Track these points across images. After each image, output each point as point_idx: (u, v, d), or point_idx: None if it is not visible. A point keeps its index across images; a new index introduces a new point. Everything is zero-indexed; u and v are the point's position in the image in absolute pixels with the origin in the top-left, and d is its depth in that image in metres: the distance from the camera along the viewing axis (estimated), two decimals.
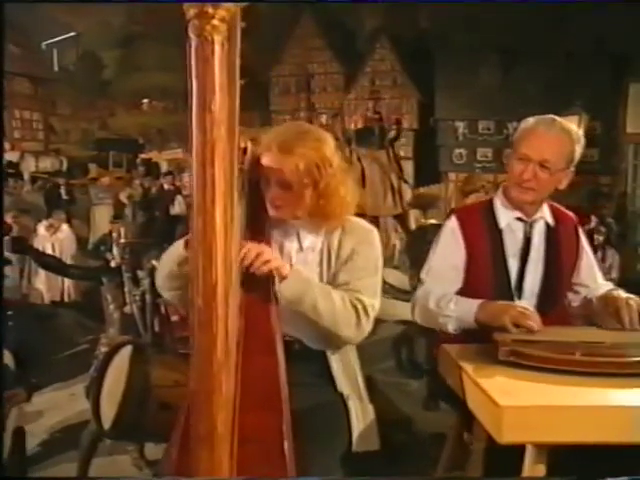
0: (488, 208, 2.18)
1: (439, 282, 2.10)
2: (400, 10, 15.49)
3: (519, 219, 2.14)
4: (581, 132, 2.09)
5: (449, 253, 2.14)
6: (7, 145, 13.14)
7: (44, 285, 6.06)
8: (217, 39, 1.17)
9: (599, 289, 2.16)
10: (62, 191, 9.33)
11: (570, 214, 2.28)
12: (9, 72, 14.90)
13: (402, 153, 15.53)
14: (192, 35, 1.17)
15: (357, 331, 1.77)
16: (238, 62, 1.55)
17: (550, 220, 2.17)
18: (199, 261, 1.15)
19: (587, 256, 2.24)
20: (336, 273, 1.83)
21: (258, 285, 1.66)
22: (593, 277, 2.23)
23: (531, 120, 2.07)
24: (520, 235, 2.14)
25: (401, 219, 7.19)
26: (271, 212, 1.83)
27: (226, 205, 1.17)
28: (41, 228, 6.61)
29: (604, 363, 1.58)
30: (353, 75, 15.55)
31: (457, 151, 15.36)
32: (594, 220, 7.31)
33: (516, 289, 2.11)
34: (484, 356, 1.72)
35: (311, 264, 1.86)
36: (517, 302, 2.04)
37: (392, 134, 7.29)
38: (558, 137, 2.01)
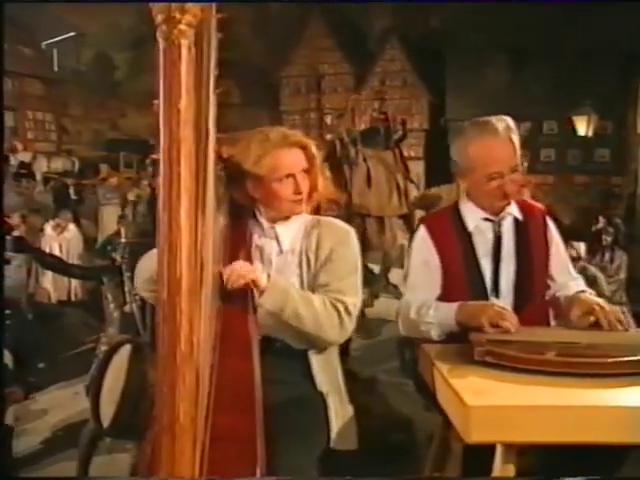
0: (455, 213, 2.18)
1: (418, 292, 2.12)
2: (410, 10, 15.48)
3: (487, 219, 2.13)
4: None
5: (423, 262, 2.16)
6: (20, 146, 13.23)
7: (51, 285, 6.12)
8: (184, 43, 1.21)
9: (568, 286, 2.15)
10: (71, 191, 9.42)
11: (539, 206, 2.27)
12: (21, 73, 15.07)
13: (413, 154, 15.56)
14: (160, 39, 1.21)
15: (340, 332, 1.79)
16: (213, 68, 1.61)
17: (518, 215, 2.15)
18: (164, 256, 1.19)
19: (556, 247, 2.22)
20: (316, 274, 1.86)
21: (237, 296, 1.69)
22: (561, 270, 2.21)
23: (468, 135, 2.06)
24: (489, 235, 2.13)
25: (407, 219, 7.16)
26: (294, 209, 1.90)
27: (191, 202, 1.21)
28: (48, 228, 6.68)
29: (577, 363, 1.57)
30: (363, 75, 15.57)
31: None
32: (602, 220, 7.28)
33: (492, 289, 2.10)
34: (461, 356, 1.72)
35: (291, 266, 1.88)
36: (495, 301, 2.04)
37: (398, 134, 7.26)
38: (507, 136, 2.00)
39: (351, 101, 7.18)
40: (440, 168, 13.36)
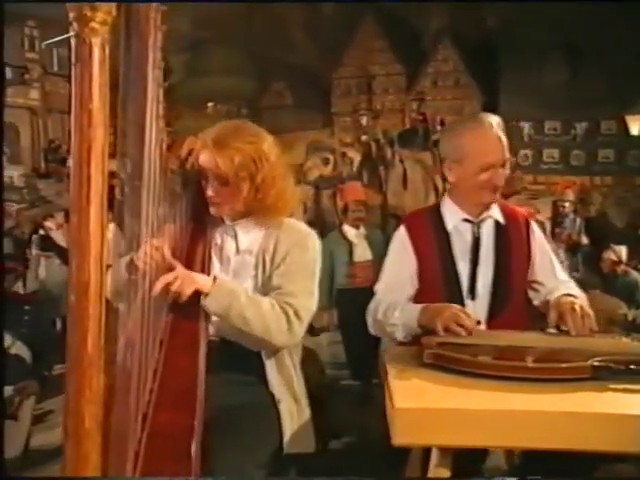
0: (435, 212, 2.16)
1: (391, 292, 2.10)
2: (466, 9, 15.29)
3: (466, 220, 2.10)
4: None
5: (399, 262, 2.14)
6: None
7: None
8: (95, 42, 1.20)
9: (557, 289, 2.08)
10: (117, 191, 9.60)
11: (522, 211, 2.24)
12: None
13: None
14: (72, 37, 1.20)
15: (289, 336, 1.77)
16: (158, 61, 1.60)
17: (500, 218, 2.12)
18: (73, 259, 1.18)
19: (542, 253, 2.17)
20: (270, 276, 1.84)
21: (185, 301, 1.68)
22: (548, 274, 2.16)
23: (462, 126, 2.07)
24: (468, 236, 2.11)
25: None
26: (211, 210, 1.85)
27: (102, 204, 1.19)
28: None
29: (514, 367, 1.54)
30: (415, 76, 15.45)
31: (522, 152, 15.05)
32: None
33: (469, 291, 2.07)
34: (415, 359, 1.70)
35: (248, 267, 1.87)
36: (469, 304, 2.02)
37: (437, 136, 7.18)
38: (497, 131, 2.00)
39: (388, 102, 7.12)
40: None
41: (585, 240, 7.33)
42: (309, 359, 3.53)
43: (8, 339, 3.34)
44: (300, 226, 1.94)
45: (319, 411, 2.10)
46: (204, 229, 1.90)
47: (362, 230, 4.91)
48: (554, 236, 7.23)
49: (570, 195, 7.68)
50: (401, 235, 2.15)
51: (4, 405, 2.88)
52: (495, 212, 2.12)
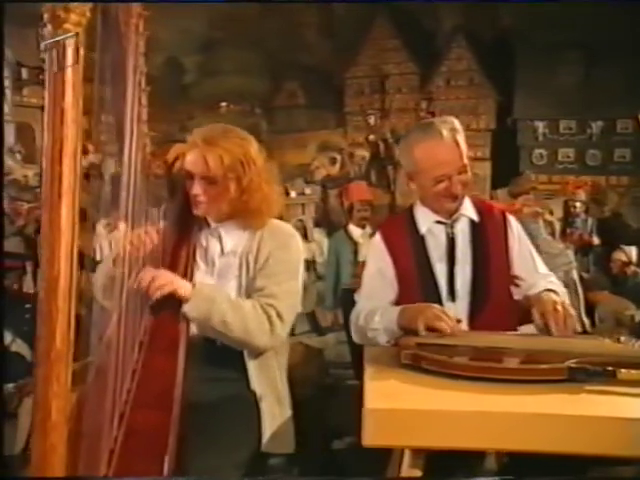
0: (409, 217, 2.17)
1: (371, 299, 2.11)
2: (480, 8, 15.21)
3: (439, 222, 2.10)
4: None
5: (377, 268, 2.15)
6: (91, 147, 13.69)
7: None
8: (69, 42, 1.22)
9: (538, 285, 2.07)
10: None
11: (497, 205, 2.23)
12: (94, 79, 15.57)
13: (479, 154, 15.29)
14: (46, 37, 1.22)
15: (271, 338, 1.78)
16: (141, 66, 1.62)
17: (474, 216, 2.12)
18: (44, 253, 1.20)
19: (520, 246, 2.16)
20: (254, 278, 1.85)
21: (166, 304, 1.70)
22: (527, 269, 2.15)
23: (412, 138, 2.05)
24: (442, 237, 2.11)
25: None
26: (195, 210, 1.87)
27: (73, 201, 1.21)
28: (99, 226, 6.87)
29: (491, 368, 1.53)
30: (428, 75, 15.37)
31: (537, 152, 14.95)
32: None
33: (448, 292, 2.07)
34: (396, 359, 1.69)
35: (232, 268, 1.88)
36: (448, 305, 2.02)
37: None
38: (452, 138, 1.99)
39: (395, 101, 7.10)
40: (507, 169, 13.15)
41: (596, 240, 7.27)
42: (313, 359, 3.55)
43: (8, 336, 3.38)
44: (284, 227, 1.95)
45: (321, 411, 2.12)
46: (189, 233, 1.92)
47: (368, 230, 4.93)
48: (565, 236, 7.18)
49: (582, 195, 7.63)
50: (377, 242, 2.17)
51: (4, 404, 2.91)
52: (468, 210, 2.12)
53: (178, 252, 1.85)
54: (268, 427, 1.80)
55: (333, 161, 10.78)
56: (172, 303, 1.70)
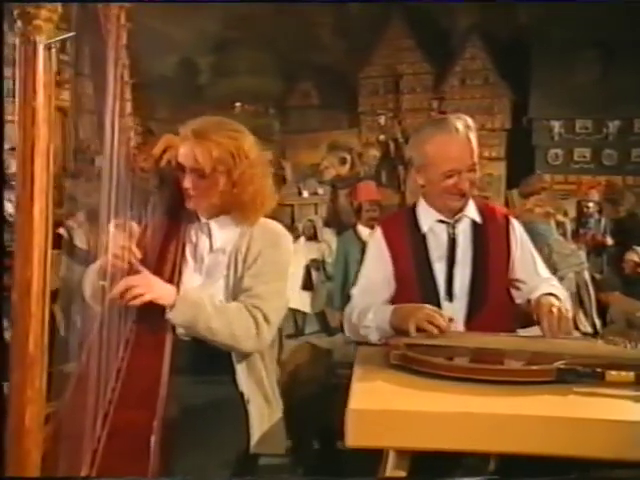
0: (410, 214, 2.14)
1: (366, 295, 2.09)
2: (496, 7, 15.11)
3: (441, 221, 2.08)
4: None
5: (375, 265, 2.13)
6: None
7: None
8: (39, 39, 1.20)
9: (539, 288, 2.04)
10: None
11: (500, 208, 2.20)
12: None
13: (494, 154, 15.20)
14: (17, 35, 1.21)
15: (257, 341, 1.76)
16: (124, 59, 1.60)
17: (477, 217, 2.09)
18: (17, 256, 1.18)
19: (522, 250, 2.14)
20: (241, 278, 1.82)
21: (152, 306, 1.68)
22: (528, 272, 2.12)
23: (425, 132, 2.04)
24: (443, 237, 2.08)
25: None
26: (187, 203, 1.85)
27: (47, 203, 1.20)
28: (110, 227, 6.88)
29: (480, 370, 1.51)
30: (443, 75, 15.31)
31: (553, 151, 14.83)
32: None
33: (446, 292, 2.04)
34: (386, 359, 1.67)
35: (220, 266, 1.86)
36: (446, 305, 1.99)
37: None
38: (465, 134, 1.96)
39: (405, 101, 7.07)
40: (522, 169, 13.04)
41: (610, 241, 7.19)
42: (320, 359, 3.52)
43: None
44: (274, 226, 1.93)
45: (325, 411, 2.10)
46: (178, 227, 1.89)
47: None
48: (578, 237, 7.11)
49: (595, 195, 7.54)
50: (377, 238, 2.14)
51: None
52: (471, 211, 2.10)
53: (167, 247, 1.83)
54: (257, 428, 1.78)
55: (343, 161, 10.75)
56: (157, 306, 1.68)
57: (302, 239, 6.46)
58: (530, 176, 8.07)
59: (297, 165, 14.57)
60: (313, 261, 6.26)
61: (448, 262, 2.06)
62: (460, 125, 1.97)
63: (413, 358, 1.57)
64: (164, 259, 1.80)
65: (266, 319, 1.75)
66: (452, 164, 1.96)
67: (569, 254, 5.92)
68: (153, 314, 1.69)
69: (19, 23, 1.19)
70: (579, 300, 5.90)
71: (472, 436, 1.35)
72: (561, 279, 6.00)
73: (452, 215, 2.08)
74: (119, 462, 1.44)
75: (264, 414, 1.81)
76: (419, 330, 1.78)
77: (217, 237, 1.89)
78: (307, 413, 2.34)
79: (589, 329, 5.73)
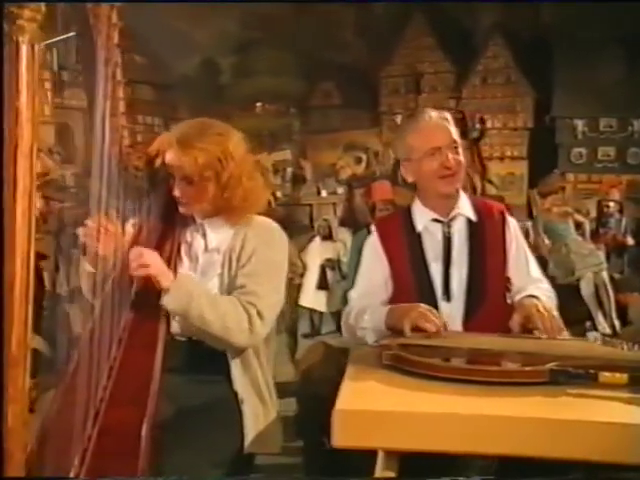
0: (406, 215, 2.12)
1: (364, 297, 2.08)
2: (519, 5, 14.99)
3: (436, 220, 2.05)
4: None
5: (372, 267, 2.12)
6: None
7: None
8: (23, 39, 1.21)
9: (525, 289, 2.01)
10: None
11: (497, 205, 2.17)
12: (133, 80, 15.84)
13: (516, 153, 15.08)
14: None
15: (250, 337, 1.75)
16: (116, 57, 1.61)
17: (472, 215, 2.07)
18: (3, 257, 1.19)
19: (516, 247, 2.11)
20: (235, 276, 1.82)
21: (150, 291, 1.69)
22: (519, 272, 2.09)
23: (404, 128, 2.12)
24: (439, 236, 2.06)
25: None
26: (180, 209, 1.86)
27: (29, 204, 1.20)
28: (128, 226, 6.94)
29: (471, 370, 1.49)
30: (464, 74, 15.21)
31: (576, 150, 14.67)
32: None
33: (443, 292, 2.02)
34: (380, 360, 1.65)
35: (215, 265, 1.86)
36: (443, 305, 1.97)
37: (475, 134, 7.01)
38: (442, 119, 2.01)
39: (421, 100, 7.03)
40: (545, 168, 12.92)
41: (631, 241, 7.10)
42: (333, 359, 3.51)
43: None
44: (269, 224, 1.92)
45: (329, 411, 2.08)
46: (173, 227, 1.90)
47: None
48: (599, 236, 7.03)
49: (615, 194, 7.45)
50: (373, 240, 2.13)
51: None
52: (466, 209, 2.07)
53: (162, 247, 1.83)
54: (251, 428, 1.77)
55: (358, 160, 10.75)
56: (152, 299, 1.68)
57: (317, 238, 6.44)
58: (548, 175, 7.98)
59: (317, 165, 14.57)
60: (328, 260, 6.23)
61: (444, 262, 2.04)
62: (434, 114, 2.03)
63: (405, 358, 1.55)
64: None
65: (260, 315, 1.75)
66: (431, 142, 1.98)
67: (587, 254, 5.86)
68: (147, 312, 1.69)
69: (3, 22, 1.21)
70: (598, 301, 5.84)
71: (460, 437, 1.33)
72: (579, 279, 5.96)
73: (447, 213, 2.06)
74: (109, 461, 1.45)
75: (259, 413, 1.81)
76: (415, 330, 1.77)
77: (211, 237, 1.89)
78: (319, 412, 2.33)
79: (608, 330, 5.67)
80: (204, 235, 1.90)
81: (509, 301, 2.07)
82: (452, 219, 2.06)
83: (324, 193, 12.14)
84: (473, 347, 1.65)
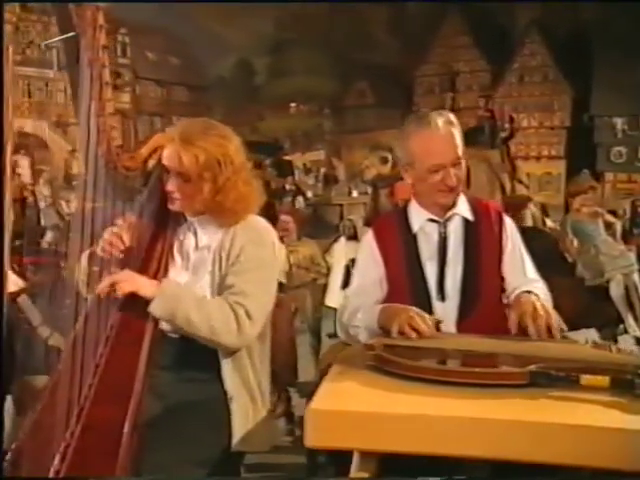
0: (402, 214, 2.09)
1: (358, 296, 2.05)
2: (558, 2, 14.78)
3: (432, 220, 2.02)
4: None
5: (367, 266, 2.08)
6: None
7: None
8: None
9: (519, 289, 1.97)
10: None
11: (494, 204, 2.12)
12: (169, 82, 16.06)
13: (553, 152, 14.86)
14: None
15: (239, 337, 1.74)
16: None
17: (468, 215, 2.02)
18: None
19: (512, 247, 2.05)
20: (226, 275, 1.81)
21: (134, 301, 1.69)
22: (515, 272, 2.03)
23: (407, 129, 1.98)
24: (434, 236, 2.02)
25: (515, 219, 6.85)
26: (170, 205, 1.84)
27: (1, 204, 1.23)
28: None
29: (451, 372, 1.46)
30: (500, 72, 15.04)
31: (616, 149, 14.39)
32: None
33: (438, 292, 1.98)
34: (364, 360, 1.63)
35: (206, 263, 1.85)
36: (437, 305, 1.94)
37: (505, 133, 6.95)
38: (447, 130, 1.90)
39: (448, 99, 6.97)
40: (583, 167, 12.71)
41: None
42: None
43: (47, 330, 3.47)
44: (258, 223, 1.90)
45: None
46: (166, 226, 1.90)
47: None
48: (632, 237, 6.88)
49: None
50: (368, 239, 2.11)
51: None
52: (462, 209, 2.03)
53: (154, 245, 1.83)
54: (240, 426, 1.76)
55: (384, 160, 10.71)
56: (139, 300, 1.69)
57: (342, 239, 6.42)
58: (578, 175, 7.83)
59: (350, 165, 14.56)
60: (353, 261, 6.22)
61: (439, 261, 2.01)
62: (440, 121, 1.92)
63: (386, 359, 1.53)
64: (151, 257, 1.81)
65: (248, 315, 1.73)
66: (435, 159, 1.92)
67: (617, 255, 5.72)
68: (133, 311, 1.70)
69: None
70: (628, 303, 5.70)
71: (433, 439, 1.30)
72: (609, 281, 5.82)
73: (443, 213, 2.03)
74: (90, 457, 1.46)
75: (248, 412, 1.79)
76: (400, 333, 1.75)
77: (202, 235, 1.88)
78: None
79: (639, 333, 5.54)
80: (195, 233, 1.89)
81: (505, 301, 2.03)
82: (448, 219, 2.03)
83: (355, 193, 12.12)
84: (460, 349, 1.61)
